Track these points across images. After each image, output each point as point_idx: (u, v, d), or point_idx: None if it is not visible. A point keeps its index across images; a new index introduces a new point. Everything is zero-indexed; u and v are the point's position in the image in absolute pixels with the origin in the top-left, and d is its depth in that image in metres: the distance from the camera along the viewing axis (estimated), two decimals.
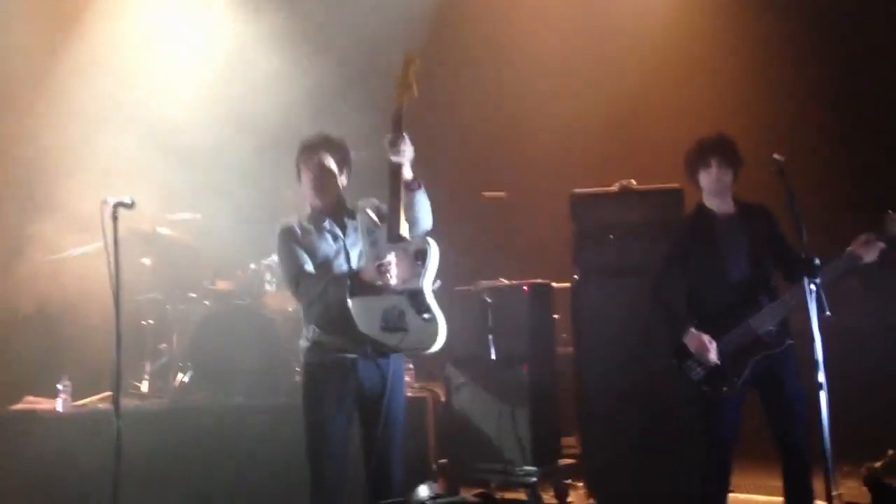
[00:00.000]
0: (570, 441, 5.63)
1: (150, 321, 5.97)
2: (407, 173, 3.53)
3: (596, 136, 6.81)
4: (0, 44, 6.32)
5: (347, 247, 3.72)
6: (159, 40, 6.61)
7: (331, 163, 3.76)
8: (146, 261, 5.97)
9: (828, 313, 3.54)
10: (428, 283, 3.46)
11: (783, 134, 6.18)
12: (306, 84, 6.35)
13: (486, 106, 7.00)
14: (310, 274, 3.62)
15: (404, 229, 3.49)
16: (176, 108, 6.33)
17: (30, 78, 6.39)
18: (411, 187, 3.51)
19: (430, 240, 3.52)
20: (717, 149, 3.92)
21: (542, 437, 5.18)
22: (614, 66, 6.82)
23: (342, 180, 3.81)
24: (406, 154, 3.54)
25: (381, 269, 3.41)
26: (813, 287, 3.54)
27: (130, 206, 3.99)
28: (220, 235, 6.01)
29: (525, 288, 5.38)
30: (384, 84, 6.43)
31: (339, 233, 3.74)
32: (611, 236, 5.30)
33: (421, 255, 3.44)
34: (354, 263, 3.68)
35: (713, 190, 3.95)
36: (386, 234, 3.50)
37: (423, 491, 3.33)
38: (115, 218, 3.94)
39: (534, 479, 5.03)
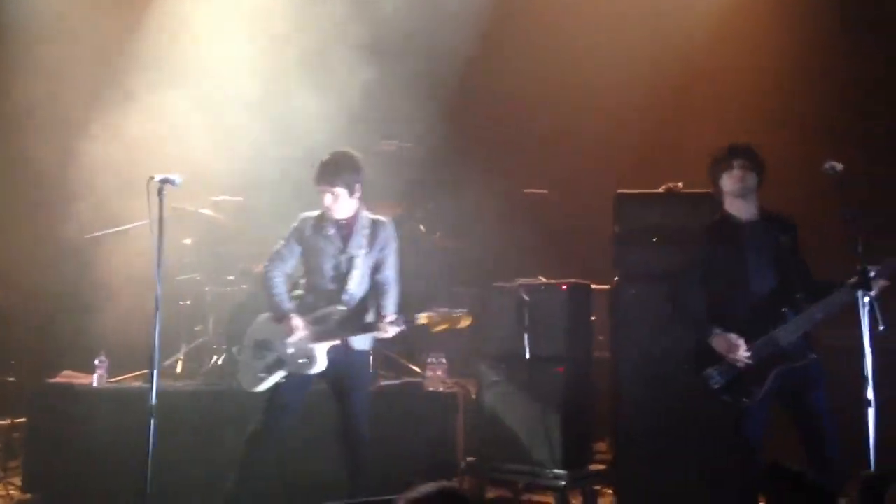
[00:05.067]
0: (601, 446, 5.54)
1: (188, 302, 6.00)
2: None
3: (643, 137, 6.70)
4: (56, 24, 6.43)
5: (342, 258, 4.20)
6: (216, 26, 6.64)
7: (340, 189, 4.19)
8: (187, 241, 6.00)
9: (882, 328, 3.43)
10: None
11: (840, 142, 6.00)
12: (354, 79, 6.34)
13: (533, 101, 6.92)
14: (271, 277, 4.27)
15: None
16: (223, 90, 6.37)
17: (82, 62, 6.47)
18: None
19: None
20: (739, 151, 3.95)
21: (573, 441, 5.10)
22: (666, 68, 6.70)
23: (355, 197, 4.25)
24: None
25: (290, 327, 4.14)
26: (867, 300, 3.45)
27: (177, 184, 4.01)
28: (260, 219, 6.03)
29: (563, 287, 5.31)
30: (429, 76, 6.53)
31: (341, 244, 4.23)
32: (654, 239, 5.19)
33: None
34: (351, 276, 4.18)
35: (735, 191, 3.93)
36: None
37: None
38: (160, 195, 3.97)
39: (563, 483, 4.95)
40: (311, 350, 4.12)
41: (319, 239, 4.26)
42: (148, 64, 6.41)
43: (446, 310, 4.06)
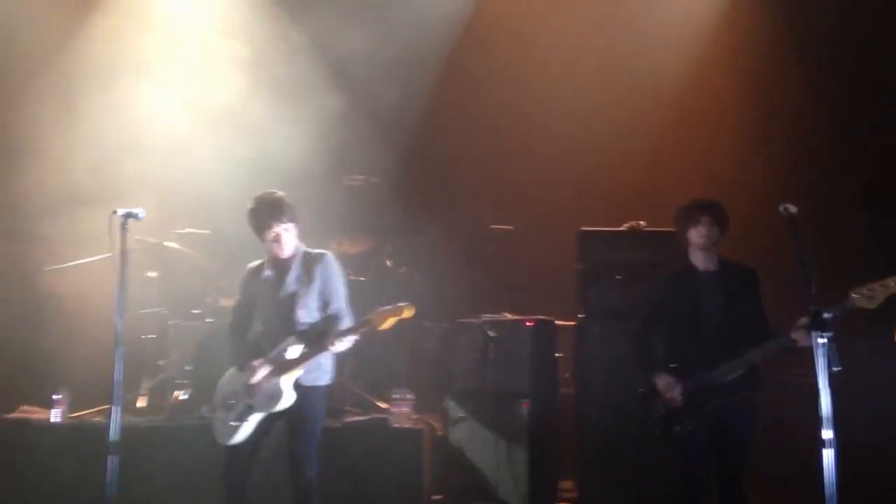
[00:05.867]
0: (567, 484, 5.55)
1: (152, 336, 5.93)
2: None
3: (609, 174, 6.80)
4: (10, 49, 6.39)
5: (281, 296, 4.23)
6: (174, 49, 6.66)
7: (282, 228, 4.22)
8: (152, 274, 5.95)
9: (836, 368, 3.50)
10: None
11: (802, 185, 6.15)
12: (322, 113, 6.39)
13: (499, 138, 7.01)
14: (230, 335, 4.38)
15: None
16: (188, 121, 6.37)
17: (39, 86, 6.43)
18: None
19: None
20: (708, 207, 4.20)
21: (538, 479, 5.10)
22: (632, 107, 6.84)
23: (293, 234, 4.27)
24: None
25: (252, 369, 4.16)
26: (822, 341, 3.52)
27: (140, 217, 3.99)
28: (226, 252, 6.01)
29: (528, 323, 5.35)
30: (395, 109, 6.61)
31: (278, 283, 4.27)
32: (618, 277, 5.28)
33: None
34: (296, 308, 4.20)
35: (701, 245, 4.19)
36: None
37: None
38: (123, 229, 3.95)
39: None
40: (276, 385, 4.10)
41: (259, 284, 4.31)
42: (108, 90, 6.38)
43: (388, 306, 4.06)
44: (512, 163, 7.00)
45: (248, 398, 4.13)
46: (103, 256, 4.89)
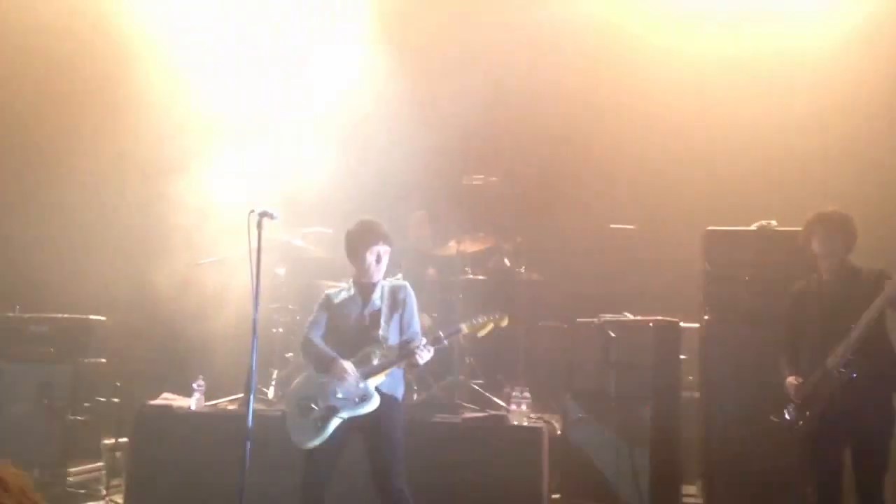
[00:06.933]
0: (690, 489, 5.41)
1: (280, 329, 6.19)
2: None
3: (736, 172, 6.55)
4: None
5: (365, 312, 4.34)
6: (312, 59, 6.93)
7: (384, 250, 4.36)
8: (280, 270, 6.21)
9: None
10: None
11: None
12: (444, 114, 6.48)
13: (622, 136, 6.89)
14: (311, 344, 4.35)
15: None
16: (318, 124, 6.61)
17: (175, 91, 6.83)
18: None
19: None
20: (824, 217, 4.31)
21: (661, 482, 5.00)
22: (765, 104, 6.58)
23: (387, 260, 4.40)
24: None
25: (341, 369, 4.18)
26: None
27: (275, 217, 4.19)
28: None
29: (650, 324, 5.25)
30: (519, 110, 6.60)
31: (362, 301, 4.38)
32: (746, 278, 5.10)
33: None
34: (380, 322, 4.29)
35: (821, 254, 4.30)
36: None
37: None
38: (259, 227, 4.15)
39: None
40: (365, 387, 4.17)
41: (343, 301, 4.41)
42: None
43: (483, 316, 4.28)
44: (637, 160, 6.85)
45: (330, 401, 4.16)
46: (237, 252, 5.15)
